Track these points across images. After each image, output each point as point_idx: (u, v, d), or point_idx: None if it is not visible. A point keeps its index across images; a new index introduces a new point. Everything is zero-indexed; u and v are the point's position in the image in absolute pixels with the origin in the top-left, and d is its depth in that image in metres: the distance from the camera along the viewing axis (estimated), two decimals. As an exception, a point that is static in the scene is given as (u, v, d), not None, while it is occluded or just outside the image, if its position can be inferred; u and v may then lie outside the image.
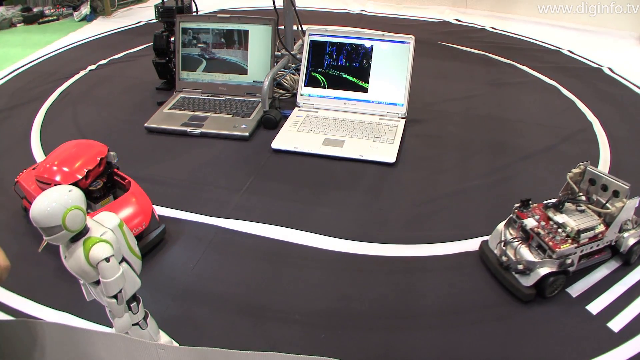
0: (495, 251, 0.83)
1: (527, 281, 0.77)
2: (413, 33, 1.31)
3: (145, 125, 1.31)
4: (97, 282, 0.56)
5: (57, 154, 0.89)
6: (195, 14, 1.58)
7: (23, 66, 1.79)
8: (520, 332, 0.74)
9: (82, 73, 1.71)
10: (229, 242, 0.93)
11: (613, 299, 0.79)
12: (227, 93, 1.43)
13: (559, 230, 0.78)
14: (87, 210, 0.54)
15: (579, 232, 0.76)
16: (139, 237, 0.87)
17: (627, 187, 0.78)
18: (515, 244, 0.80)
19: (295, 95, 1.41)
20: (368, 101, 1.32)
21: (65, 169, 0.85)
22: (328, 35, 1.33)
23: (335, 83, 1.34)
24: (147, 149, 1.24)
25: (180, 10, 1.47)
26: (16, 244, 0.93)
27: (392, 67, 1.30)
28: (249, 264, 0.88)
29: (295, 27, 1.54)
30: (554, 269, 0.76)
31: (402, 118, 1.29)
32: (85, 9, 2.38)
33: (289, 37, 1.54)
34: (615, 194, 0.80)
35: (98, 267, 0.54)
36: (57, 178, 0.84)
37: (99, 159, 0.88)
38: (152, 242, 0.90)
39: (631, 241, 0.82)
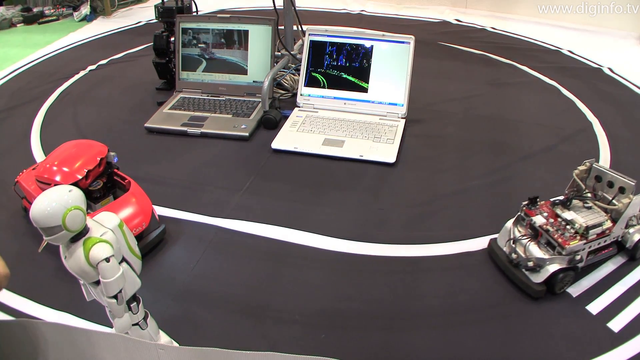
0: (505, 249, 0.84)
1: (538, 278, 0.77)
2: (413, 33, 1.31)
3: (145, 125, 1.31)
4: (97, 282, 0.56)
5: (57, 154, 0.89)
6: (195, 14, 1.58)
7: (23, 66, 1.79)
8: (520, 332, 0.74)
9: (82, 73, 1.71)
10: (229, 242, 0.93)
11: (613, 299, 0.79)
12: (227, 93, 1.43)
13: (568, 227, 0.79)
14: (87, 210, 0.54)
15: (588, 228, 0.77)
16: (139, 237, 0.87)
17: (633, 184, 0.79)
18: (524, 241, 0.81)
19: (295, 95, 1.41)
20: (368, 101, 1.32)
21: (65, 169, 0.85)
22: (328, 36, 1.33)
23: (335, 83, 1.34)
24: (147, 149, 1.24)
25: (180, 10, 1.47)
26: (16, 244, 0.93)
27: (392, 67, 1.30)
28: (249, 264, 0.88)
29: (295, 27, 1.54)
30: (564, 266, 0.77)
31: (402, 118, 1.29)
32: (85, 9, 2.38)
33: (289, 37, 1.54)
34: (622, 190, 0.81)
35: (98, 267, 0.54)
36: (57, 178, 0.84)
37: (99, 159, 0.88)
38: (152, 242, 0.90)
39: (637, 237, 0.83)
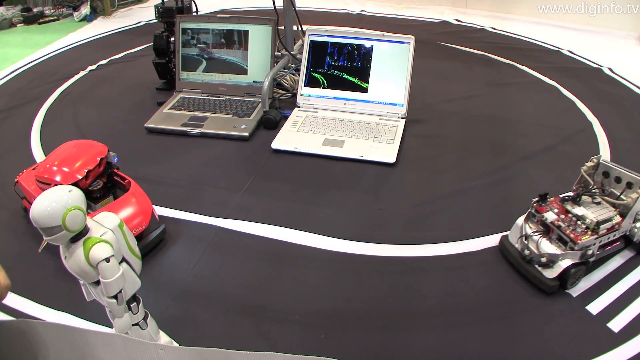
0: (516, 245, 0.85)
1: (551, 273, 0.78)
2: (413, 33, 1.31)
3: (145, 125, 1.31)
4: (97, 283, 0.56)
5: (57, 154, 0.89)
6: (195, 14, 1.58)
7: (23, 66, 1.79)
8: (520, 332, 0.74)
9: (82, 73, 1.71)
10: (229, 242, 0.93)
11: (613, 299, 0.79)
12: (227, 93, 1.43)
13: (579, 222, 0.80)
14: (87, 210, 0.54)
15: (598, 223, 0.78)
16: (139, 237, 0.87)
17: None
18: (536, 237, 0.82)
19: (295, 95, 1.41)
20: (368, 101, 1.32)
21: (65, 169, 0.85)
22: (328, 36, 1.33)
23: (335, 83, 1.34)
24: (147, 149, 1.24)
25: (180, 10, 1.47)
26: (16, 244, 0.93)
27: (392, 67, 1.30)
28: (249, 264, 0.88)
29: (295, 27, 1.54)
30: (576, 260, 0.78)
31: (402, 118, 1.29)
32: (85, 9, 2.38)
33: (289, 37, 1.54)
34: (629, 185, 0.82)
35: (98, 267, 0.54)
36: (57, 178, 0.84)
37: (99, 159, 0.88)
38: (152, 242, 0.90)
39: None
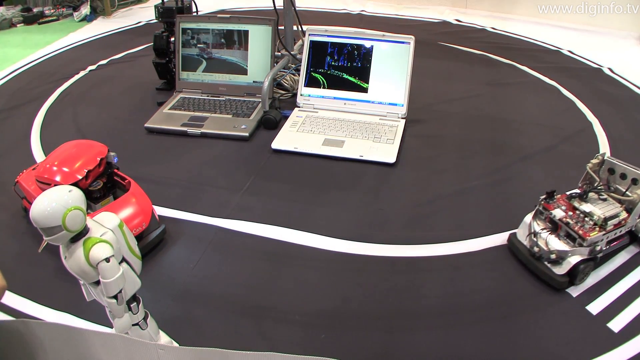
0: (525, 243, 0.86)
1: (561, 270, 0.79)
2: (413, 33, 1.31)
3: (145, 125, 1.31)
4: (97, 283, 0.56)
5: (57, 154, 0.89)
6: (195, 14, 1.58)
7: (23, 66, 1.79)
8: (520, 332, 0.74)
9: (82, 73, 1.71)
10: (229, 242, 0.93)
11: (613, 299, 0.79)
12: (227, 93, 1.43)
13: (586, 219, 0.81)
14: (87, 210, 0.54)
15: (606, 219, 0.79)
16: (139, 238, 0.87)
17: None
18: (545, 234, 0.83)
19: (295, 95, 1.41)
20: (368, 101, 1.32)
21: (65, 169, 0.85)
22: (328, 36, 1.33)
23: (335, 83, 1.34)
24: (147, 149, 1.24)
25: (180, 10, 1.47)
26: (16, 244, 0.93)
27: (392, 68, 1.30)
28: (249, 264, 0.88)
29: (295, 27, 1.54)
30: (585, 257, 0.79)
31: (402, 118, 1.29)
32: (85, 9, 2.38)
33: (289, 38, 1.54)
34: (634, 181, 0.83)
35: (98, 267, 0.54)
36: (57, 178, 0.84)
37: (99, 159, 0.88)
38: (152, 243, 0.90)
39: None
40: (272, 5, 1.43)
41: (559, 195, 0.87)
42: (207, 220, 0.98)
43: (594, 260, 0.81)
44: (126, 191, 0.91)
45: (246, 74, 1.42)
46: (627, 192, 0.84)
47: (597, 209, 0.81)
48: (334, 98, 1.34)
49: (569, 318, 0.76)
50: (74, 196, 0.53)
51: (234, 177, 1.12)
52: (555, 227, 0.83)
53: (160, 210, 0.99)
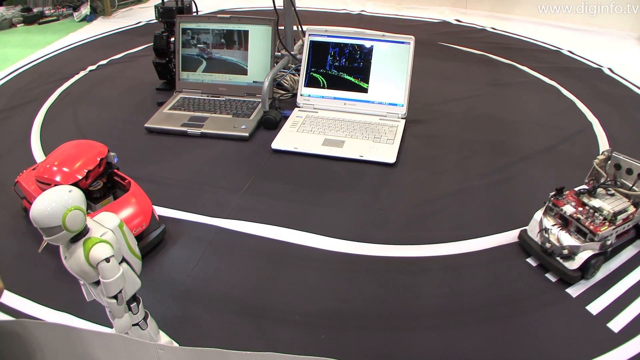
0: (537, 239, 0.87)
1: (573, 264, 0.81)
2: (413, 33, 1.31)
3: (145, 125, 1.31)
4: (97, 283, 0.56)
5: (57, 154, 0.89)
6: (195, 14, 1.58)
7: (23, 66, 1.79)
8: (520, 332, 0.74)
9: (82, 73, 1.71)
10: (229, 243, 0.93)
11: (613, 299, 0.79)
12: (227, 93, 1.43)
13: (596, 214, 0.83)
14: (87, 210, 0.54)
15: (615, 214, 0.81)
16: (139, 238, 0.87)
17: None
18: (556, 230, 0.84)
19: (295, 95, 1.41)
20: (368, 101, 1.32)
21: (65, 169, 0.85)
22: (328, 36, 1.33)
23: (335, 83, 1.34)
24: (147, 149, 1.24)
25: (180, 10, 1.47)
26: (16, 244, 0.93)
27: (392, 68, 1.30)
28: (249, 264, 0.88)
29: (295, 28, 1.54)
30: (596, 251, 0.80)
31: (402, 118, 1.29)
32: (85, 10, 2.38)
33: (289, 38, 1.54)
34: None
35: (98, 267, 0.54)
36: (57, 178, 0.84)
37: (99, 159, 0.88)
38: (152, 243, 0.90)
39: None
40: (272, 5, 1.43)
41: (567, 192, 0.88)
42: (207, 220, 0.98)
43: (605, 255, 0.83)
44: (126, 191, 0.91)
45: (246, 74, 1.42)
46: (634, 187, 0.85)
47: (606, 204, 0.83)
48: (334, 98, 1.34)
49: (569, 318, 0.76)
50: (74, 196, 0.53)
51: (234, 177, 1.12)
52: (565, 223, 0.85)
53: (160, 210, 0.99)
